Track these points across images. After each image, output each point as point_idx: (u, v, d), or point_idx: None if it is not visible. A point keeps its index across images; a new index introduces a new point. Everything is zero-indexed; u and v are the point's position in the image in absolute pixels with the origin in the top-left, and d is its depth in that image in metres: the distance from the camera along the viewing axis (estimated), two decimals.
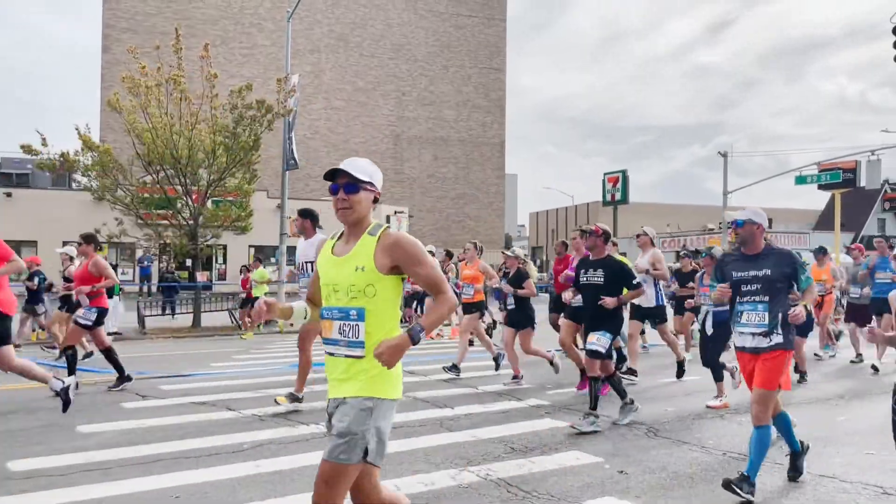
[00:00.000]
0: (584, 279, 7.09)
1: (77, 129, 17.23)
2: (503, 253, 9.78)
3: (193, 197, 17.95)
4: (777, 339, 4.81)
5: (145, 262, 29.83)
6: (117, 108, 17.24)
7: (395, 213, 39.59)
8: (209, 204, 18.86)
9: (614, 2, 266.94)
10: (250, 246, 31.26)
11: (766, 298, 4.86)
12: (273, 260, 14.77)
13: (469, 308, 10.47)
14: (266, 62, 45.15)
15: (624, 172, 39.22)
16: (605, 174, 39.96)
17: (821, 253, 12.11)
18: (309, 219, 7.59)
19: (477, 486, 4.93)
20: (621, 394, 6.99)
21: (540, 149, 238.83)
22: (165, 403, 7.81)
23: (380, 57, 49.61)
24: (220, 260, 35.16)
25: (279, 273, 19.86)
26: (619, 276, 6.91)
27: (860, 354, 11.58)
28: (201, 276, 19.98)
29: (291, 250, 11.29)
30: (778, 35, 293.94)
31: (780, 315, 4.82)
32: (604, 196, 40.09)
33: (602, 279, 6.93)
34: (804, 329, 9.22)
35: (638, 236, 10.07)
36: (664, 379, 9.76)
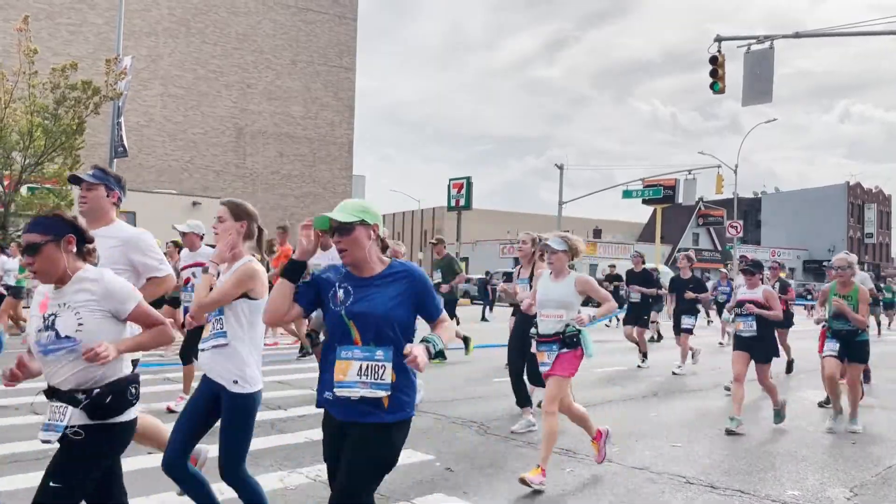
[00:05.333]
0: None
1: None
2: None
3: (5, 182, 16.38)
4: None
5: None
6: None
7: None
8: (23, 190, 17.28)
9: (459, 12, 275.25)
10: None
11: None
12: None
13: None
14: (97, 42, 41.89)
15: (468, 179, 40.20)
16: (450, 180, 40.73)
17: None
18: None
19: (305, 487, 4.83)
20: None
21: (383, 151, 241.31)
22: None
23: (223, 46, 47.62)
24: None
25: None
26: None
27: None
28: None
29: None
30: (607, 57, 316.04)
31: None
32: (448, 201, 40.88)
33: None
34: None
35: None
36: (497, 378, 10.09)
